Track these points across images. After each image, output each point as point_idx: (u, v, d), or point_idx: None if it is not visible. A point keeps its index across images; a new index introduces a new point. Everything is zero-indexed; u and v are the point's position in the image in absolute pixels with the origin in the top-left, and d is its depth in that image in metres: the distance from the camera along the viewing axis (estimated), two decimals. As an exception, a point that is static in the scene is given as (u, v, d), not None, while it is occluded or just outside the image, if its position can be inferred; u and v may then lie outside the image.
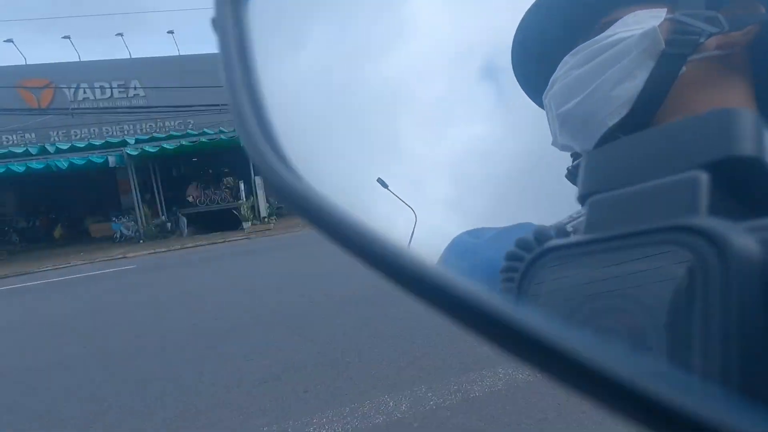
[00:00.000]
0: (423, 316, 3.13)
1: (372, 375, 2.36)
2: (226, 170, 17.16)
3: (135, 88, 14.78)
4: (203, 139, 12.07)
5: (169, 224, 13.16)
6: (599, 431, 1.65)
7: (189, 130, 13.58)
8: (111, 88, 14.62)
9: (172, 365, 2.88)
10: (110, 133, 14.54)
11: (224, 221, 12.90)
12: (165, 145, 11.68)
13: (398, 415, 1.94)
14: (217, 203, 13.70)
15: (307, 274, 5.28)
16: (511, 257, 0.27)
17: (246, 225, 11.93)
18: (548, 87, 0.41)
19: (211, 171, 17.14)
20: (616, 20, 0.37)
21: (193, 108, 14.27)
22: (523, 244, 0.26)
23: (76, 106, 14.38)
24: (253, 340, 3.15)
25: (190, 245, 10.24)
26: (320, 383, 2.35)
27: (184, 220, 12.95)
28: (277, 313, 3.76)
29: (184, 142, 11.84)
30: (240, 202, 12.70)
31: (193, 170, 16.59)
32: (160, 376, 2.72)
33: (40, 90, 14.33)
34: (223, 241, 10.34)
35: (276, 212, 14.49)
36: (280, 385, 2.40)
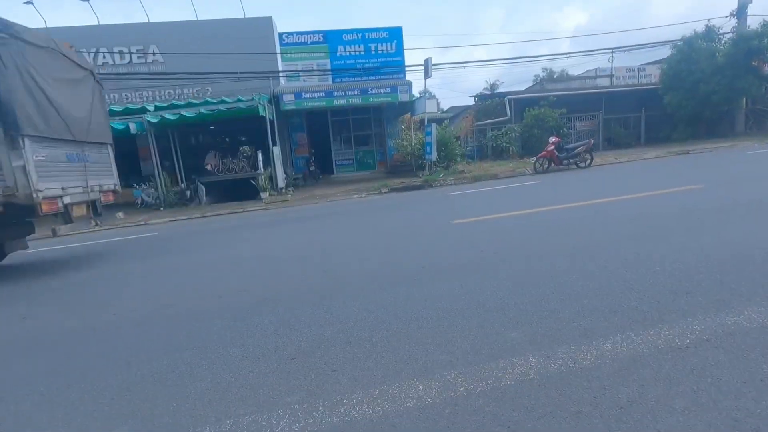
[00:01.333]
0: (452, 298, 3.11)
1: (400, 357, 2.36)
2: (243, 139, 17.17)
3: (154, 53, 14.66)
4: (222, 108, 12.00)
5: (188, 192, 13.32)
6: (638, 428, 1.61)
7: (207, 98, 13.50)
8: (130, 53, 14.52)
9: (200, 337, 2.93)
10: (129, 99, 14.55)
11: (242, 191, 12.99)
12: (184, 113, 11.65)
13: (429, 399, 1.94)
14: (235, 172, 13.75)
15: (328, 248, 5.29)
16: None
17: (264, 195, 11.99)
18: None
19: (228, 140, 17.16)
20: None
21: (211, 75, 14.13)
22: None
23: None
24: (280, 315, 3.18)
25: (209, 214, 10.37)
26: (348, 362, 2.36)
27: (203, 189, 13.08)
28: (301, 288, 3.78)
29: (203, 110, 11.79)
30: (258, 172, 12.72)
31: (211, 138, 16.63)
32: (189, 347, 2.77)
33: (61, 54, 14.31)
34: (242, 211, 10.43)
35: (293, 183, 14.51)
36: (309, 362, 2.42)
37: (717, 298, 2.63)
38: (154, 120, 11.67)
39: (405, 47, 16.09)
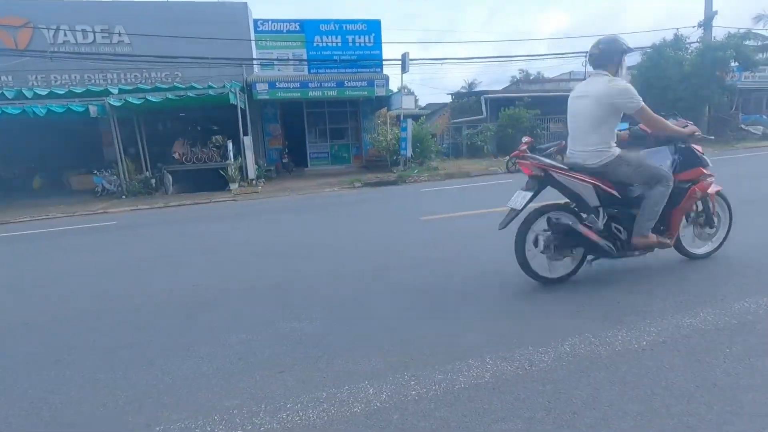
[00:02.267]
0: (413, 296, 3.01)
1: (354, 357, 2.24)
2: (215, 128, 16.60)
3: (120, 34, 13.93)
4: (191, 94, 11.52)
5: (153, 181, 12.77)
6: (590, 434, 1.55)
7: (176, 84, 12.95)
8: (94, 32, 13.75)
9: (144, 333, 2.73)
10: (92, 81, 13.80)
11: (210, 181, 12.54)
12: (150, 98, 11.11)
13: (378, 404, 1.82)
14: (204, 162, 13.27)
15: (294, 243, 5.11)
16: None
17: (233, 186, 11.62)
18: None
19: (199, 128, 16.56)
20: None
21: (181, 60, 13.56)
22: None
23: (55, 50, 13.54)
24: (234, 311, 3.01)
25: (174, 204, 9.95)
26: (298, 363, 2.22)
27: (169, 178, 12.57)
28: (261, 283, 3.61)
29: (170, 96, 11.29)
30: (228, 162, 12.31)
31: (180, 126, 16.00)
32: (130, 344, 2.57)
33: (17, 29, 13.43)
34: (209, 202, 10.07)
35: (265, 175, 14.13)
36: (257, 362, 2.27)
37: (675, 300, 2.63)
38: (117, 103, 11.08)
39: (384, 41, 15.90)
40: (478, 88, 35.09)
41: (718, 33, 17.76)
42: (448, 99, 27.45)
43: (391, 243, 4.72)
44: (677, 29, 18.31)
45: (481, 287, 3.09)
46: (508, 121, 17.47)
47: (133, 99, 11.18)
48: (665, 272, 3.11)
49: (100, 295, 3.59)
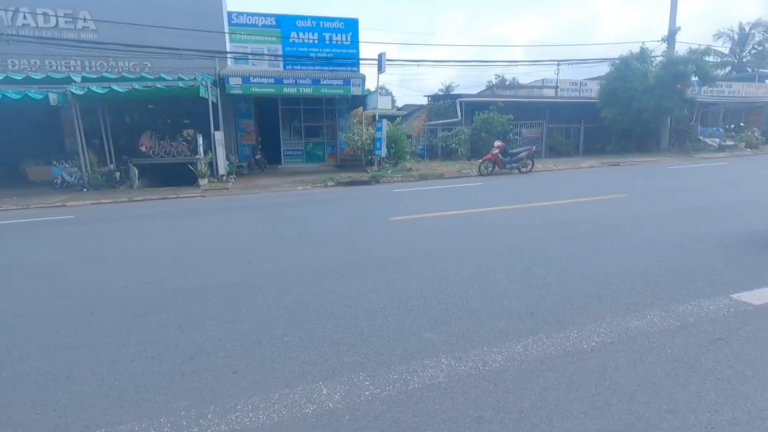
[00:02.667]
0: (375, 295, 3.01)
1: (310, 358, 2.22)
2: (185, 121, 16.14)
3: (85, 19, 13.33)
4: (159, 86, 11.15)
5: (117, 174, 12.30)
6: (535, 433, 1.59)
7: (144, 74, 12.50)
8: (56, 16, 13.11)
9: (93, 333, 2.62)
10: (54, 67, 13.17)
11: (179, 176, 12.18)
12: (115, 87, 10.69)
13: (330, 405, 1.81)
14: (173, 156, 12.87)
15: (258, 239, 5.03)
16: None
17: (202, 182, 11.32)
18: None
19: (169, 121, 16.06)
20: None
21: (150, 49, 13.10)
22: None
23: (14, 33, 12.83)
24: (189, 310, 2.92)
25: (138, 198, 9.61)
26: (253, 364, 2.18)
27: (135, 171, 12.14)
28: (220, 281, 3.52)
29: (137, 86, 10.88)
30: (197, 157, 11.99)
31: (148, 118, 15.47)
32: (77, 345, 2.46)
33: (-29, 9, 12.67)
34: (176, 197, 9.77)
35: (236, 171, 13.84)
36: (209, 363, 2.21)
37: (625, 302, 2.74)
38: (80, 92, 10.60)
39: (362, 41, 15.87)
40: (455, 92, 35.52)
41: (681, 48, 18.62)
42: (425, 101, 27.68)
43: (357, 243, 4.71)
44: (643, 42, 19.08)
45: (440, 288, 3.12)
46: (482, 125, 17.76)
47: (97, 88, 10.73)
48: (617, 276, 3.23)
49: (47, 294, 3.42)
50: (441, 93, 32.50)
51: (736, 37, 36.64)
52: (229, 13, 14.70)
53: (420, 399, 1.83)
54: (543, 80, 26.77)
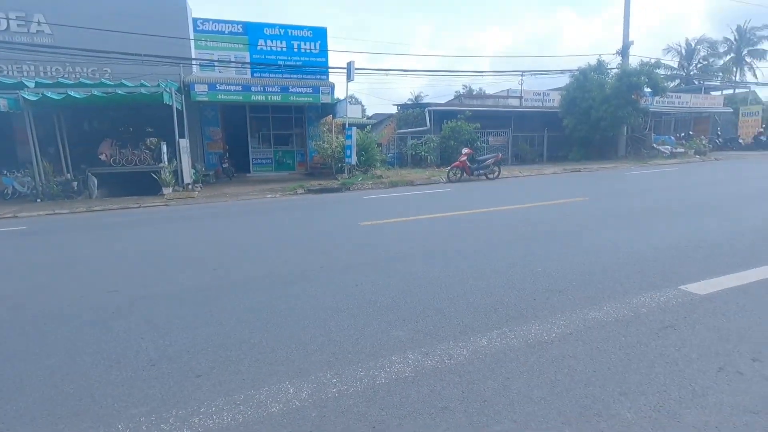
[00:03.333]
0: (344, 297, 3.01)
1: (277, 359, 2.19)
2: (149, 129, 15.65)
3: (39, 23, 12.78)
4: (120, 92, 10.79)
5: (75, 183, 11.77)
6: (499, 420, 1.63)
7: (104, 80, 12.06)
8: (7, 18, 12.51)
9: (45, 343, 2.49)
10: (5, 72, 12.52)
11: (142, 185, 11.77)
12: (72, 93, 10.26)
13: (297, 403, 1.80)
14: (135, 164, 12.44)
15: (224, 247, 4.93)
16: None
17: (166, 190, 10.98)
18: None
19: (131, 129, 15.52)
20: None
21: (110, 54, 12.67)
22: None
23: (-41, 35, 12.15)
24: (150, 317, 2.83)
25: (97, 208, 9.22)
26: (218, 367, 2.14)
27: (94, 180, 11.65)
28: (185, 288, 3.43)
29: (96, 92, 10.50)
30: (161, 165, 11.63)
31: (109, 126, 14.90)
32: (28, 356, 2.33)
33: None
34: (138, 206, 9.43)
35: (203, 179, 13.50)
36: (172, 368, 2.15)
37: (583, 296, 2.86)
38: (33, 98, 10.10)
39: (331, 50, 15.94)
40: (424, 101, 36.13)
41: (635, 61, 19.71)
42: (395, 110, 28.00)
43: (326, 247, 4.69)
44: (600, 55, 20.09)
45: (408, 288, 3.16)
46: (451, 133, 18.13)
47: (52, 94, 10.27)
48: (577, 272, 3.37)
49: (-2, 304, 3.23)
50: (410, 102, 32.97)
51: (683, 52, 39.19)
52: (195, 20, 14.46)
53: (387, 393, 1.85)
54: (508, 90, 27.65)
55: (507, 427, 1.59)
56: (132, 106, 12.59)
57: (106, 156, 12.29)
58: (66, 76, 12.97)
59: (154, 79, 12.54)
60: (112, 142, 12.71)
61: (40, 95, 10.19)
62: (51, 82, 11.44)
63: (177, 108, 11.84)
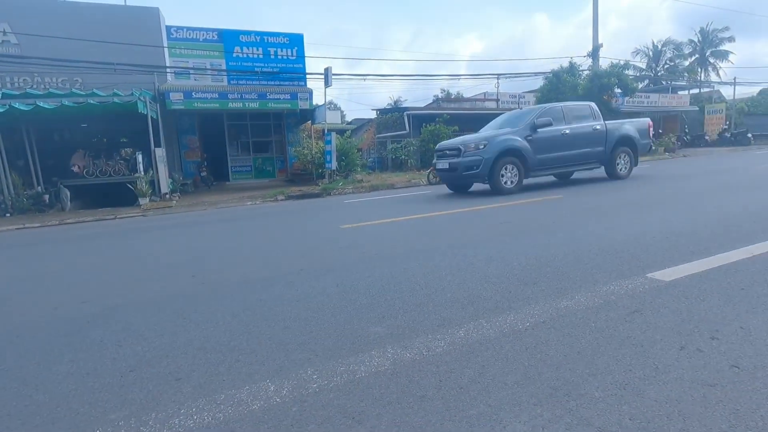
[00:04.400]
0: (325, 297, 3.04)
1: (257, 359, 2.21)
2: (123, 140, 15.36)
3: (5, 32, 12.45)
4: (92, 101, 10.58)
5: (47, 196, 11.46)
6: (474, 405, 1.69)
7: (74, 90, 11.80)
8: (-29, 29, 12.15)
9: (18, 355, 2.44)
10: (-31, 84, 12.13)
11: (118, 196, 11.55)
12: (42, 104, 10.01)
13: (277, 399, 1.82)
14: (110, 176, 12.20)
15: (203, 254, 4.89)
16: None
17: (143, 201, 10.79)
18: None
19: (105, 139, 15.21)
20: None
21: (81, 64, 12.42)
22: None
23: None
24: (129, 324, 2.80)
25: (71, 221, 8.99)
26: (197, 370, 2.14)
27: (66, 193, 11.37)
28: (163, 295, 3.40)
29: (66, 103, 10.27)
30: (137, 175, 11.43)
31: (81, 137, 14.58)
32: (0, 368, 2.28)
33: None
34: (114, 218, 9.24)
35: (181, 189, 13.31)
36: (151, 373, 2.14)
37: (557, 287, 2.96)
38: (0, 109, 9.82)
39: (309, 56, 15.98)
40: (402, 105, 36.42)
41: (605, 63, 20.36)
42: (374, 115, 28.15)
43: (307, 251, 4.71)
44: (571, 58, 20.68)
45: (388, 286, 3.21)
46: (430, 136, 18.34)
47: (20, 105, 10.00)
48: (550, 265, 3.48)
49: (-33, 319, 3.14)
50: (389, 107, 33.20)
51: (650, 53, 40.65)
52: (168, 27, 14.31)
53: (366, 386, 1.89)
54: (485, 93, 28.15)
55: (482, 410, 1.65)
56: (105, 116, 12.36)
57: (79, 168, 12.01)
58: (35, 86, 12.65)
59: (128, 88, 12.34)
60: (85, 153, 12.44)
61: (7, 106, 9.90)
62: (19, 92, 11.14)
63: (152, 117, 11.67)
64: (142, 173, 11.54)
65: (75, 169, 12.10)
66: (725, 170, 10.84)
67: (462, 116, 20.69)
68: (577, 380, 1.82)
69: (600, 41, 20.11)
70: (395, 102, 43.81)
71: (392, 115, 22.15)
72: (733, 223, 4.48)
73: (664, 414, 1.56)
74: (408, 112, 20.54)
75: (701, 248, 3.62)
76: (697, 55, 40.34)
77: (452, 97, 37.51)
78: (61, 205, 11.36)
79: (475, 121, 21.31)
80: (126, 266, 4.61)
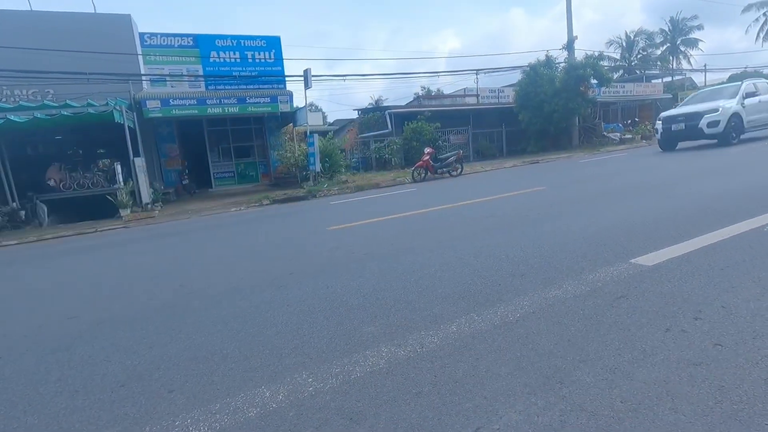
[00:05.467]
0: (315, 300, 3.03)
1: (251, 366, 2.19)
2: (101, 151, 15.03)
3: (-31, 45, 12.04)
4: (66, 113, 10.31)
5: (23, 212, 11.14)
6: (470, 398, 1.71)
7: (47, 101, 11.49)
8: (-67, 42, 11.73)
9: (3, 376, 2.38)
10: (-66, 99, 11.71)
11: (98, 209, 11.28)
12: (12, 117, 9.73)
13: (274, 405, 1.82)
14: (88, 188, 11.91)
15: (189, 262, 4.83)
16: None
17: (124, 212, 10.57)
18: None
19: (81, 151, 14.85)
20: None
21: (52, 75, 12.10)
22: None
23: None
24: (117, 338, 2.75)
25: (49, 236, 8.76)
26: (190, 380, 2.11)
27: (43, 208, 11.07)
28: (150, 306, 3.35)
29: (39, 115, 9.99)
30: (117, 186, 11.19)
31: (56, 149, 14.21)
32: (-16, 392, 2.22)
33: None
34: (95, 231, 9.04)
35: (162, 198, 13.08)
36: (143, 386, 2.11)
37: (544, 277, 3.01)
38: (-31, 125, 9.51)
39: (288, 58, 15.87)
40: (384, 104, 36.41)
41: (580, 54, 20.71)
42: (356, 115, 28.10)
43: (295, 254, 4.69)
44: (547, 51, 20.99)
45: (378, 285, 3.22)
46: (412, 134, 18.40)
47: (-11, 119, 9.69)
48: (538, 256, 3.54)
49: (-54, 343, 3.04)
50: (371, 106, 33.16)
51: (624, 44, 41.49)
52: (142, 34, 14.04)
53: (362, 386, 1.89)
54: (465, 89, 28.34)
55: (477, 403, 1.68)
56: (80, 127, 12.06)
57: (55, 181, 11.71)
58: (4, 99, 12.28)
59: (103, 97, 12.07)
60: (61, 166, 12.13)
61: (-24, 121, 9.59)
62: (-13, 107, 10.79)
63: (129, 126, 11.45)
64: (122, 184, 11.30)
65: (51, 182, 11.78)
66: (699, 157, 11.14)
67: (444, 113, 20.81)
68: (569, 367, 1.85)
69: (575, 34, 20.46)
70: (376, 101, 43.71)
71: (374, 115, 22.16)
72: (709, 207, 4.61)
73: (653, 395, 1.60)
74: (390, 111, 20.57)
75: (681, 232, 3.72)
76: (668, 44, 41.34)
77: (432, 94, 37.67)
78: (39, 220, 11.06)
79: (457, 117, 21.46)
80: (110, 280, 4.52)
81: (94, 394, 2.09)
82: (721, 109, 11.67)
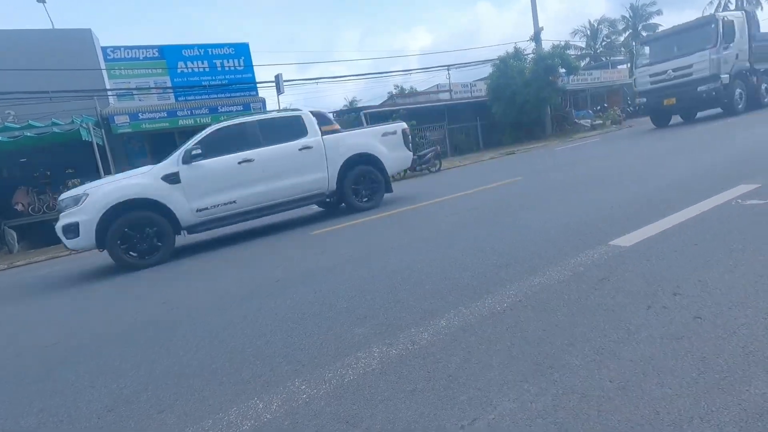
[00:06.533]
0: (304, 305, 3.01)
1: (242, 378, 2.16)
2: (69, 170, 14.53)
3: None
4: (29, 134, 9.94)
5: (-10, 240, 10.68)
6: (464, 390, 1.73)
7: (8, 123, 11.05)
8: None
9: (-20, 413, 2.27)
10: None
11: (71, 230, 10.90)
12: (-28, 142, 9.32)
13: (268, 416, 1.79)
14: (59, 210, 11.48)
15: (170, 279, 4.71)
16: None
17: (99, 232, 10.25)
18: None
19: (48, 173, 14.33)
20: None
21: (11, 95, 11.64)
22: None
23: None
24: (101, 361, 2.67)
25: (21, 263, 8.44)
26: (180, 398, 2.06)
27: (12, 234, 10.67)
28: (134, 326, 3.26)
29: (0, 138, 9.60)
30: (89, 206, 10.84)
31: (21, 173, 13.67)
32: (-39, 430, 2.12)
33: None
34: (69, 254, 8.73)
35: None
36: (130, 409, 2.05)
37: (528, 266, 3.06)
38: (-74, 153, 9.08)
39: (259, 65, 15.66)
40: (359, 105, 36.33)
41: (547, 45, 21.13)
42: (331, 117, 27.93)
43: (280, 261, 4.64)
44: (516, 43, 21.35)
45: (366, 286, 3.21)
46: (389, 133, 18.39)
47: (-53, 145, 9.27)
48: (520, 245, 3.59)
49: None
50: (345, 108, 33.06)
51: (588, 32, 42.49)
52: (104, 48, 13.66)
53: (356, 388, 1.89)
54: (437, 85, 28.52)
55: (472, 395, 1.69)
56: (46, 147, 11.66)
57: (23, 206, 11.29)
58: (-38, 123, 11.74)
59: (68, 115, 11.68)
60: (28, 189, 11.70)
61: (-67, 148, 9.16)
62: (-56, 132, 10.32)
63: (98, 143, 11.13)
64: (95, 203, 10.96)
65: (19, 207, 11.35)
66: (667, 138, 11.51)
67: (418, 110, 20.92)
68: (558, 352, 1.89)
69: (541, 25, 20.88)
70: (351, 102, 43.67)
71: (349, 116, 22.09)
72: (682, 184, 4.76)
73: (640, 372, 1.64)
74: (365, 112, 20.56)
75: (656, 212, 3.83)
76: (630, 30, 42.53)
77: (406, 92, 37.82)
78: (8, 247, 10.64)
79: (432, 113, 21.59)
80: (89, 303, 4.38)
81: (79, 422, 2.02)
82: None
